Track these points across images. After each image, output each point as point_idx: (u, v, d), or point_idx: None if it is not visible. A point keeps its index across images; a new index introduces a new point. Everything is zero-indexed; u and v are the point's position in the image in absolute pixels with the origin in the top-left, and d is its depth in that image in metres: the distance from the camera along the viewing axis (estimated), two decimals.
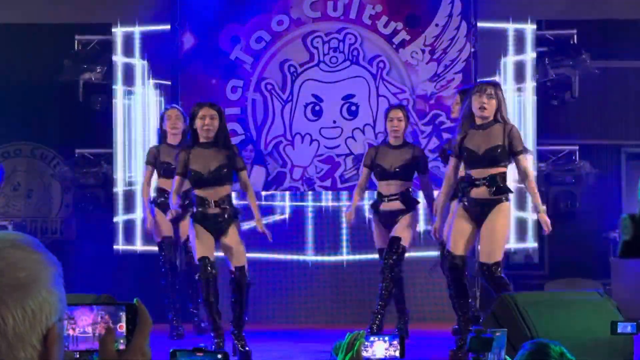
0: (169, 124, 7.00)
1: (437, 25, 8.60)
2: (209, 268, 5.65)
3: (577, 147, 8.95)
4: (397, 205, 6.48)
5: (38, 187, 9.66)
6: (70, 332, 1.49)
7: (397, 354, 2.42)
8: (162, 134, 7.09)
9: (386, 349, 2.50)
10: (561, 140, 9.09)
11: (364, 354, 2.43)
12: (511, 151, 5.54)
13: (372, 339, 2.45)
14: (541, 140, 8.81)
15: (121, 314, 1.50)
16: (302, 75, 8.59)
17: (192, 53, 8.62)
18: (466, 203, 5.61)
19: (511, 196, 5.70)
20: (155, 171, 7.04)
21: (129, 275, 8.57)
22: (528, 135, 8.51)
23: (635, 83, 9.33)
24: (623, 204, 9.33)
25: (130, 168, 8.66)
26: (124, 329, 1.49)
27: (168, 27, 8.61)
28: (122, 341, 1.49)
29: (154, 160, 6.99)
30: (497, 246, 5.48)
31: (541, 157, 8.88)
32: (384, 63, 8.60)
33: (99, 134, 8.84)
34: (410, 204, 6.52)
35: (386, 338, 2.44)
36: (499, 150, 5.51)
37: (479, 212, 5.54)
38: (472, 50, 8.60)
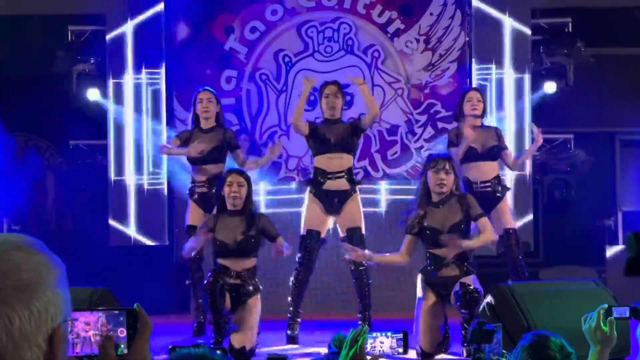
0: (201, 108, 6.64)
1: (431, 14, 8.58)
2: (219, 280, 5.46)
3: (572, 136, 8.97)
4: (343, 184, 6.16)
5: (32, 178, 9.64)
6: (71, 336, 1.49)
7: (401, 349, 2.43)
8: (194, 118, 6.73)
9: (382, 343, 2.51)
10: (556, 129, 9.10)
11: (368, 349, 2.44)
12: (471, 219, 5.53)
13: (375, 334, 2.45)
14: None
15: (122, 318, 1.51)
16: (297, 65, 8.57)
17: (186, 43, 8.60)
18: (434, 283, 5.50)
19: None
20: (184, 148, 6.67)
21: (125, 267, 8.56)
22: (523, 124, 8.52)
23: (629, 70, 9.34)
24: (617, 191, 9.36)
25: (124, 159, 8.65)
26: (125, 334, 1.50)
27: (161, 15, 8.59)
28: (122, 346, 1.50)
29: (184, 141, 6.66)
30: None
31: None
32: (379, 52, 8.59)
33: (93, 126, 8.82)
34: (354, 183, 6.25)
35: (389, 334, 2.44)
36: (462, 227, 5.48)
37: (447, 290, 5.46)
38: (467, 39, 8.59)
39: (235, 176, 5.73)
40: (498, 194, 6.46)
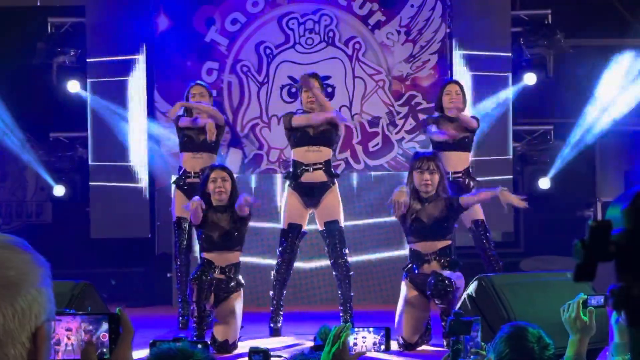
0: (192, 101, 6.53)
1: (412, 6, 8.60)
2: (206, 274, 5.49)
3: (551, 127, 9.02)
4: (321, 176, 6.12)
5: (13, 170, 9.60)
6: (52, 342, 1.50)
7: (383, 346, 2.45)
8: (186, 113, 6.59)
9: (364, 339, 2.53)
10: (536, 120, 9.15)
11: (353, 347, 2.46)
12: (459, 206, 5.61)
13: (357, 329, 2.47)
14: (516, 120, 8.86)
15: (104, 323, 1.51)
16: (278, 57, 8.57)
17: (167, 35, 8.57)
18: (416, 279, 5.53)
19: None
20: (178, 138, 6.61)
21: (106, 260, 8.55)
22: (504, 115, 8.57)
23: (609, 61, 9.38)
24: (597, 182, 9.42)
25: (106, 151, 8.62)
26: (107, 338, 1.51)
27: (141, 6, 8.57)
28: (105, 350, 1.51)
29: (177, 119, 6.56)
30: None
31: (516, 137, 8.93)
32: (360, 44, 8.60)
33: (73, 118, 8.78)
34: (333, 176, 6.21)
35: (371, 329, 2.46)
36: (445, 224, 5.53)
37: (424, 286, 5.47)
38: (448, 31, 8.62)
39: (218, 171, 5.75)
40: (469, 186, 6.48)
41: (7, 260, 1.30)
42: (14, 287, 1.29)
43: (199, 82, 6.81)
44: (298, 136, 6.16)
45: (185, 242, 6.49)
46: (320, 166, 6.15)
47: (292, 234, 6.10)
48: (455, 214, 5.69)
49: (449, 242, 5.59)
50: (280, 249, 6.13)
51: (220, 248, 5.64)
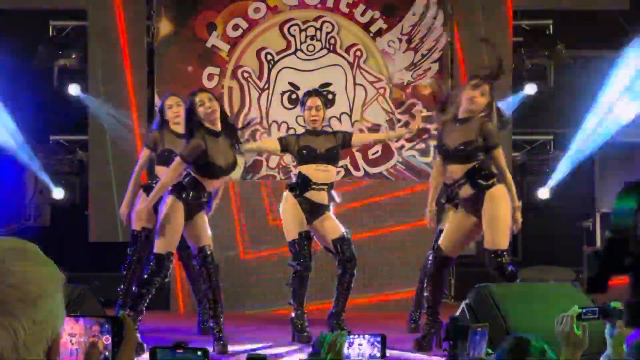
0: (170, 113, 6.42)
1: (414, 14, 8.62)
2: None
3: (551, 137, 9.03)
4: (324, 197, 6.11)
5: (11, 172, 9.58)
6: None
7: (378, 353, 2.45)
8: (162, 123, 6.45)
9: (360, 346, 2.52)
10: (536, 130, 9.16)
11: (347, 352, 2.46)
12: (487, 146, 5.54)
13: (352, 336, 2.47)
14: (516, 130, 8.87)
15: (107, 327, 1.51)
16: (279, 63, 8.58)
17: (168, 40, 8.58)
18: (460, 206, 5.61)
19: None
20: (154, 157, 6.52)
21: (105, 263, 8.53)
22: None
23: (608, 73, 9.39)
24: (596, 193, 9.43)
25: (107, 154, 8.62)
26: (110, 341, 1.51)
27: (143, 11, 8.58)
28: (107, 354, 1.51)
29: (154, 146, 6.44)
30: (502, 233, 5.48)
31: (516, 146, 8.95)
32: (361, 51, 8.61)
33: (73, 121, 8.79)
34: (332, 199, 6.22)
35: (367, 337, 2.46)
36: (469, 147, 5.51)
37: (474, 208, 5.54)
38: (449, 39, 8.63)
39: (201, 94, 5.65)
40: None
41: (28, 274, 1.32)
42: (35, 302, 1.30)
43: (174, 92, 6.66)
44: (304, 154, 6.15)
45: (137, 256, 6.43)
46: (326, 187, 6.14)
47: (305, 241, 6.05)
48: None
49: (477, 163, 5.55)
50: (294, 259, 6.04)
51: (225, 174, 5.69)
